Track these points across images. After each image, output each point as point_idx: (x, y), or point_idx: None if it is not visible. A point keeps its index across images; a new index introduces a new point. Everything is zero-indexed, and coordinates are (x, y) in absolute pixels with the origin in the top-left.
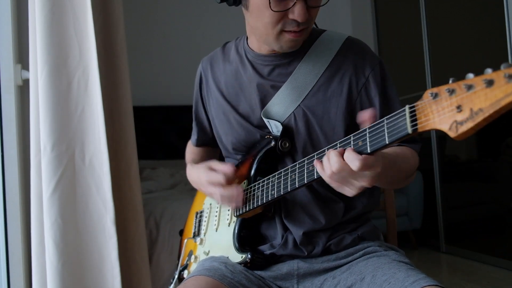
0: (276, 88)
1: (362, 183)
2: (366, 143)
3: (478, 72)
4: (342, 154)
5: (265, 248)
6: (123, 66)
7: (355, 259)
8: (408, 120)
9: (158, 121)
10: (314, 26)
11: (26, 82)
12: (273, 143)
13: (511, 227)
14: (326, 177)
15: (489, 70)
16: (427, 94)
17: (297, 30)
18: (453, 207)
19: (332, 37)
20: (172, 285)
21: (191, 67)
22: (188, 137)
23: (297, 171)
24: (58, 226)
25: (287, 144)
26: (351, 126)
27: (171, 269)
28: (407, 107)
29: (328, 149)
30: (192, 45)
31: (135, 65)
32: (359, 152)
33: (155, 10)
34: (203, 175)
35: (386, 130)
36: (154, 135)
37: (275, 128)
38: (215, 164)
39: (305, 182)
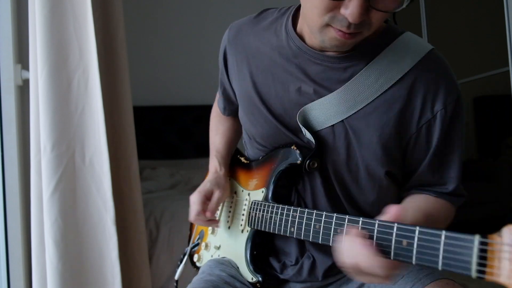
0: (319, 94)
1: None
2: (412, 252)
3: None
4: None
5: (277, 267)
6: (123, 66)
7: None
8: (474, 259)
9: (158, 121)
10: (392, 24)
11: (26, 82)
12: (299, 160)
13: None
14: (340, 260)
15: None
16: (508, 232)
17: (345, 31)
18: None
19: (409, 45)
20: (182, 263)
21: (191, 67)
22: (188, 137)
23: (322, 224)
24: (58, 226)
25: (316, 165)
26: (388, 163)
27: (171, 269)
28: (476, 238)
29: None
30: (192, 45)
31: (135, 65)
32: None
33: (155, 10)
34: (196, 197)
35: (441, 250)
36: (154, 135)
37: (309, 136)
38: (213, 193)
39: (330, 244)
